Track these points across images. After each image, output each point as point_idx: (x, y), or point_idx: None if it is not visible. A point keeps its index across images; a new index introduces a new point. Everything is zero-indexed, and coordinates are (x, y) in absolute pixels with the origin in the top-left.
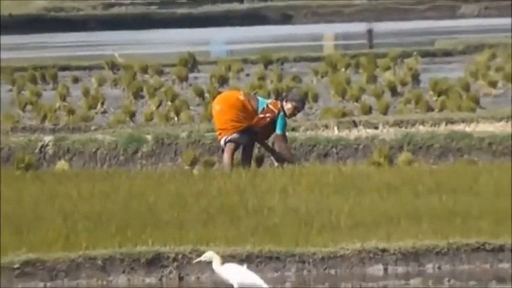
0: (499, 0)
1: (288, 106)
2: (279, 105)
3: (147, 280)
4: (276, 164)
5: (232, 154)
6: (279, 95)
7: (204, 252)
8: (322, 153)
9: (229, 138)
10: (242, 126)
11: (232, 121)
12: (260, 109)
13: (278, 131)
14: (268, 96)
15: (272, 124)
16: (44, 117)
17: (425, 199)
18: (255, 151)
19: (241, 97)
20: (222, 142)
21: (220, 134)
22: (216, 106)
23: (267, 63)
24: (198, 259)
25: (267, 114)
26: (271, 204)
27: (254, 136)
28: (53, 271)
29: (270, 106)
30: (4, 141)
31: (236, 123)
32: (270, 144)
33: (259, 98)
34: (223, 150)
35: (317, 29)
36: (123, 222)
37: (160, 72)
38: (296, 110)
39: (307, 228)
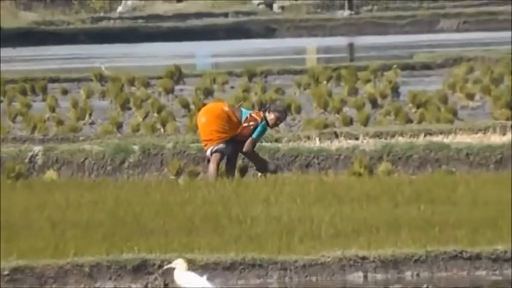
0: (477, 15)
1: (270, 116)
2: (262, 115)
3: (133, 286)
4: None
5: (218, 164)
6: (262, 106)
7: (189, 260)
8: (304, 163)
9: (215, 148)
10: (227, 136)
11: (217, 132)
12: (243, 119)
13: (253, 135)
14: (253, 108)
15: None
16: (34, 128)
17: (404, 208)
18: (239, 161)
19: (226, 108)
20: (208, 152)
21: (206, 145)
22: (202, 117)
23: (251, 75)
24: (167, 266)
25: (251, 123)
26: (255, 214)
27: (238, 146)
28: (41, 278)
29: (253, 115)
30: None
31: (221, 133)
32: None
33: (243, 110)
34: (208, 161)
35: (300, 42)
36: (110, 230)
37: (147, 85)
38: (278, 120)
39: (289, 237)
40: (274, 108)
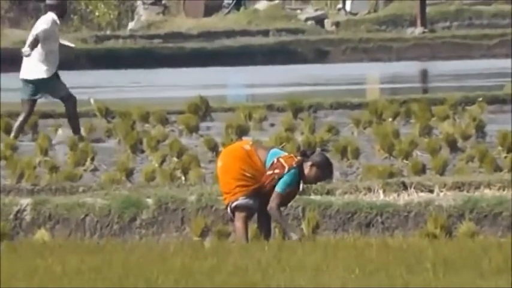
0: None
1: (311, 171)
2: (295, 162)
3: None
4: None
5: (246, 223)
6: (303, 150)
7: None
8: (364, 222)
9: (234, 204)
10: (249, 187)
11: (236, 180)
12: (269, 163)
13: (278, 189)
14: (298, 151)
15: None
16: (21, 176)
17: (492, 279)
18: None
19: (247, 147)
20: (228, 209)
21: (225, 198)
22: (219, 162)
23: (297, 110)
24: None
25: (276, 171)
26: (301, 284)
27: (267, 199)
28: None
29: (281, 160)
30: None
31: (241, 182)
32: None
33: (273, 149)
34: (232, 219)
35: (359, 68)
36: None
37: (164, 121)
38: (317, 180)
39: None
40: (318, 161)
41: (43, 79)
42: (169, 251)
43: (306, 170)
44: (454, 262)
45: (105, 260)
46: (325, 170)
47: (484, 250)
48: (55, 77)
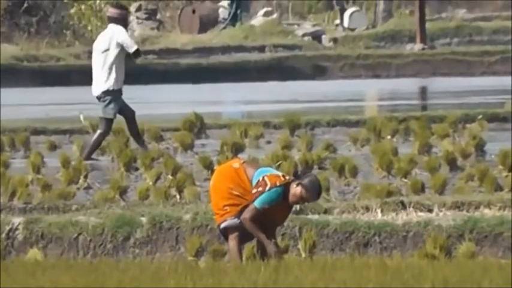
0: None
1: (296, 190)
2: (279, 181)
3: None
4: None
5: (239, 243)
6: (297, 171)
7: None
8: (362, 242)
9: (223, 225)
10: (238, 206)
11: (224, 199)
12: (255, 182)
13: (255, 203)
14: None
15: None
16: (13, 194)
17: None
18: (277, 239)
19: (237, 165)
20: (219, 230)
21: (216, 219)
22: (210, 182)
23: (294, 127)
24: None
25: (259, 189)
26: None
27: (261, 218)
28: None
29: (266, 178)
30: None
31: (229, 201)
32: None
33: (262, 168)
34: (226, 239)
35: (357, 85)
36: None
37: (158, 138)
38: (302, 200)
39: None
40: (305, 182)
41: (108, 91)
42: (164, 270)
43: (292, 190)
44: (454, 283)
45: (98, 279)
46: (310, 191)
47: (484, 271)
48: (117, 94)
